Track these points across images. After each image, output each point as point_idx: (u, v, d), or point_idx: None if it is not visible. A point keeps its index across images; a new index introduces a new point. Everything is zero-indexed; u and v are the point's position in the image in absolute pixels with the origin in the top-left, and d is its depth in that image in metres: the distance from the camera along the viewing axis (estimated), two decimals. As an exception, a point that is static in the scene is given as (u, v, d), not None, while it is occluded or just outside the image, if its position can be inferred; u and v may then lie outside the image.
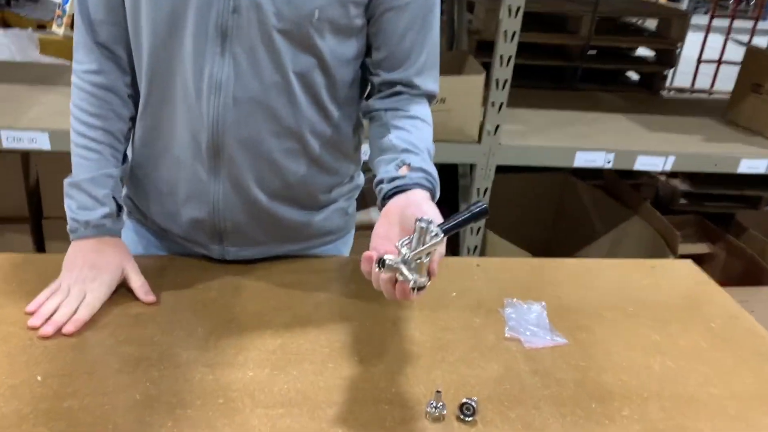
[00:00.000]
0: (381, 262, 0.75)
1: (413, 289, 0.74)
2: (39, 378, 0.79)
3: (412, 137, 0.95)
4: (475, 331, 0.95)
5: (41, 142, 1.76)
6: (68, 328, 0.87)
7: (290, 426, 0.76)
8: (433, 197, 0.88)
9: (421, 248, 0.74)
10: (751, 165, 2.10)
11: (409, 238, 0.76)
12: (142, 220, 1.10)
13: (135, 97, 1.00)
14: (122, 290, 0.96)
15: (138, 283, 0.95)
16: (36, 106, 1.83)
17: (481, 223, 2.06)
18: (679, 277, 1.15)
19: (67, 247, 0.98)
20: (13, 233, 2.20)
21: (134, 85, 0.99)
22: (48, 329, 0.86)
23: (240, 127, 0.94)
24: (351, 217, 1.17)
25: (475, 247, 2.10)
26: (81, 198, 0.95)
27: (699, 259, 2.63)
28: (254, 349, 0.87)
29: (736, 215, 2.73)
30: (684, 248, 2.31)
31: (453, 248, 2.41)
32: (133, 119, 1.01)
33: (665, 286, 1.11)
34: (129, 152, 1.05)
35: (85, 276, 0.93)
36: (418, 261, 0.74)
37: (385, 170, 0.90)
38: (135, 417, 0.75)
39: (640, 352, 0.94)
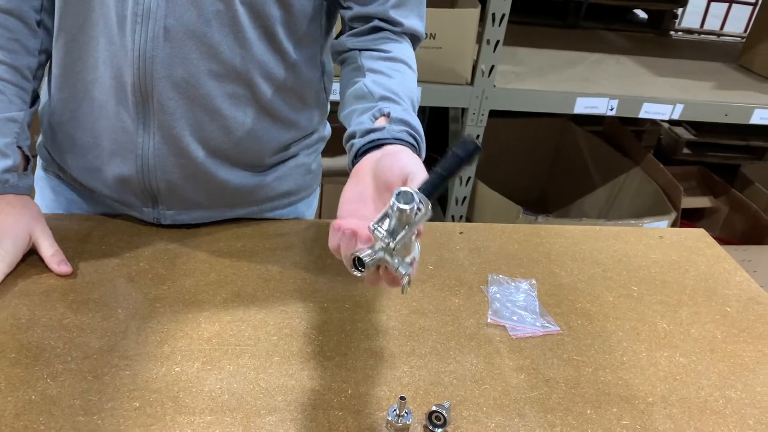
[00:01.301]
0: (358, 262, 0.57)
1: (406, 277, 0.57)
2: None
3: (393, 83, 0.77)
4: (453, 314, 0.81)
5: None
6: None
7: (219, 438, 0.62)
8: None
9: (405, 232, 0.55)
10: (765, 116, 1.94)
11: (384, 214, 0.57)
12: (60, 176, 0.93)
13: (47, 25, 0.82)
14: (31, 258, 0.81)
15: (49, 251, 0.79)
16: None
17: (472, 171, 1.90)
18: (691, 249, 1.00)
19: None
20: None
21: (46, 10, 0.81)
22: None
23: (172, 66, 0.76)
24: (315, 175, 1.00)
25: (464, 198, 1.94)
26: None
27: (700, 213, 2.53)
28: (184, 336, 0.73)
29: (741, 167, 2.58)
30: (685, 201, 2.17)
31: (439, 199, 2.26)
32: (46, 53, 0.83)
33: (675, 261, 0.97)
34: (43, 95, 0.87)
35: None
36: (405, 242, 0.56)
37: (358, 122, 0.72)
38: (25, 425, 0.61)
39: (645, 344, 0.80)
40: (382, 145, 0.68)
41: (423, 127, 0.75)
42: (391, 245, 0.55)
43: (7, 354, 0.68)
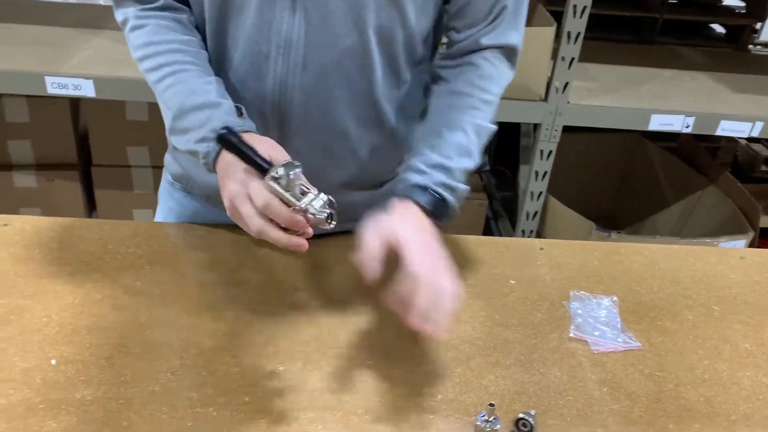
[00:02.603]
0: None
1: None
2: (53, 362, 0.73)
3: (438, 143, 0.83)
4: (536, 328, 0.84)
5: (86, 89, 1.70)
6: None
7: (321, 434, 0.68)
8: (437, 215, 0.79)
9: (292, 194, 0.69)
10: None
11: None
12: (188, 189, 1.00)
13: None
14: (148, 261, 0.89)
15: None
16: (82, 51, 1.77)
17: (543, 186, 1.92)
18: (773, 270, 1.01)
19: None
20: (63, 180, 2.18)
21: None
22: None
23: (309, 94, 0.83)
24: None
25: (535, 213, 1.96)
26: (192, 120, 0.77)
27: (779, 234, 2.45)
28: (285, 338, 0.79)
29: (823, 186, 2.50)
30: (763, 220, 2.12)
31: (509, 215, 2.28)
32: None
33: (757, 282, 0.97)
34: None
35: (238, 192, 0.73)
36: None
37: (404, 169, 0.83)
38: (151, 413, 0.68)
39: (728, 363, 0.81)
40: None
41: (493, 141, 0.81)
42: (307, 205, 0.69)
43: (132, 349, 0.75)
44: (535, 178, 1.90)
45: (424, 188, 0.79)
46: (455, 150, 0.82)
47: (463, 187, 0.82)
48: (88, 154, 2.16)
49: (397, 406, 0.71)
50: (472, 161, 0.84)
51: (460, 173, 0.82)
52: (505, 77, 0.90)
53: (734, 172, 2.28)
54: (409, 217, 0.76)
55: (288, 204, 0.69)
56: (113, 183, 2.19)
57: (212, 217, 0.98)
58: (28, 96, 2.02)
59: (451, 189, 0.80)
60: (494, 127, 0.88)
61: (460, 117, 0.84)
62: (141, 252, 0.91)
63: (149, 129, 2.12)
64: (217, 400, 0.70)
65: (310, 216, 0.69)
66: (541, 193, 1.93)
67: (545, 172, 1.88)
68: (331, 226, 0.71)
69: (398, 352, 0.78)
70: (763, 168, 2.59)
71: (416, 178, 0.80)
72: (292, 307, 0.84)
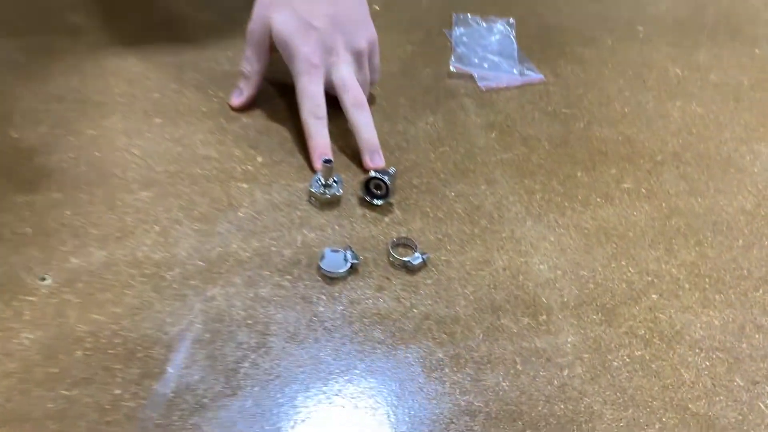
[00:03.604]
0: None
1: None
2: None
3: None
4: (404, 63, 0.61)
5: None
6: None
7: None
8: None
9: None
10: None
11: None
12: None
13: None
14: None
15: None
16: None
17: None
18: (710, -15, 0.79)
19: None
20: None
21: None
22: None
23: None
24: None
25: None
26: None
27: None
28: (28, 95, 0.52)
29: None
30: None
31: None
32: None
33: (690, -2, 0.76)
34: None
35: None
36: None
37: None
38: None
39: (653, 93, 0.62)
40: None
41: None
42: None
43: None
44: None
45: None
46: None
47: None
48: None
49: (194, 175, 0.49)
50: None
51: None
52: None
53: None
54: None
55: None
56: None
57: None
58: None
59: None
60: None
61: None
62: None
63: None
64: None
65: None
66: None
67: None
68: None
69: (202, 104, 0.54)
70: None
71: None
72: (38, 49, 0.57)
